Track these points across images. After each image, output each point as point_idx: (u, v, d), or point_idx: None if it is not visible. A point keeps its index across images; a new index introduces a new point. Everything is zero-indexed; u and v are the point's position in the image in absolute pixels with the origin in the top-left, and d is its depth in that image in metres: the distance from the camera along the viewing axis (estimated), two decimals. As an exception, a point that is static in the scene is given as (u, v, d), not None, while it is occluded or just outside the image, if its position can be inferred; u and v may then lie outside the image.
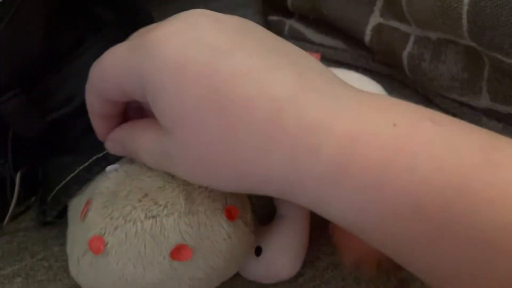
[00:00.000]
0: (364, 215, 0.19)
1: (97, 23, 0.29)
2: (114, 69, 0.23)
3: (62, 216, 0.30)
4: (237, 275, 0.28)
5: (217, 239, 0.24)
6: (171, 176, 0.25)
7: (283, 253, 0.28)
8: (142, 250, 0.23)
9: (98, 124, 0.26)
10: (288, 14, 0.42)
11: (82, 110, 0.27)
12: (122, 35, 0.29)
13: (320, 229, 0.30)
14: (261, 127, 0.19)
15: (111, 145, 0.26)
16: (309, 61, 0.22)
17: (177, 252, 0.23)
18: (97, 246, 0.23)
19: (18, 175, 0.29)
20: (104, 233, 0.24)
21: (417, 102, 0.37)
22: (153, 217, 0.23)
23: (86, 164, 0.28)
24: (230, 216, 0.25)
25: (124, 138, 0.25)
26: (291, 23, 0.41)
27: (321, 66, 0.22)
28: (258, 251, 0.28)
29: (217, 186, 0.22)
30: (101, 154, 0.28)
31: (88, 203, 0.26)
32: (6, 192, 0.33)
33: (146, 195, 0.24)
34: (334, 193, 0.19)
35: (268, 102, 0.19)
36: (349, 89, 0.21)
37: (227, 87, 0.20)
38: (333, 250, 0.30)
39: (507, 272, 0.18)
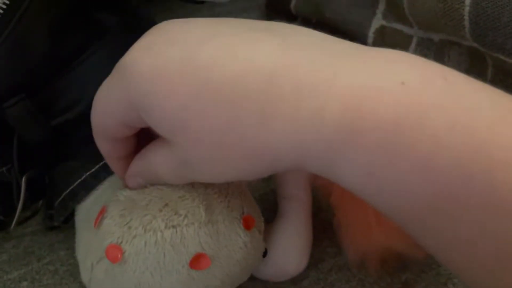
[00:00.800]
0: (374, 176, 0.18)
1: (100, 29, 0.29)
2: (107, 107, 0.23)
3: (68, 220, 0.31)
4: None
5: (234, 248, 0.24)
6: (190, 186, 0.25)
7: (287, 252, 0.28)
8: (161, 259, 0.23)
9: (116, 166, 0.26)
10: (292, 17, 0.42)
11: (87, 116, 0.27)
12: (125, 41, 0.29)
13: (324, 231, 0.31)
14: (258, 100, 0.19)
15: (132, 181, 0.26)
16: (294, 27, 0.21)
17: (196, 261, 0.23)
18: (114, 255, 0.23)
19: (24, 179, 0.29)
20: (121, 242, 0.24)
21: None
22: (174, 227, 0.23)
23: (94, 169, 0.28)
24: (247, 225, 0.25)
25: (141, 169, 0.25)
26: (294, 27, 0.42)
27: (309, 30, 0.21)
28: (263, 253, 0.28)
29: (237, 175, 0.21)
30: None
31: (103, 210, 0.26)
32: (12, 196, 0.34)
33: (166, 204, 0.24)
34: (343, 157, 0.18)
35: (257, 73, 0.19)
36: (348, 44, 0.20)
37: (211, 73, 0.19)
38: (337, 252, 0.30)
39: None
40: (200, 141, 0.20)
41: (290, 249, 0.28)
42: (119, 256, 0.23)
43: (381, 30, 0.36)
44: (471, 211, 0.17)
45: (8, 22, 0.25)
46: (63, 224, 0.31)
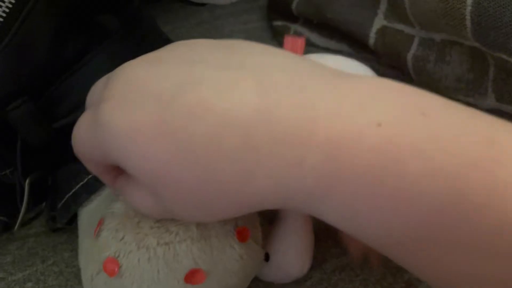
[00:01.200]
0: (356, 221, 0.19)
1: (101, 32, 0.30)
2: (85, 148, 0.22)
3: (72, 222, 0.31)
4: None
5: (230, 261, 0.24)
6: None
7: (289, 255, 0.28)
8: (155, 275, 0.23)
9: (107, 183, 0.25)
10: (293, 18, 0.42)
11: None
12: (126, 44, 0.29)
13: (326, 231, 0.31)
14: (235, 159, 0.18)
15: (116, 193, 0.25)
16: (268, 54, 0.20)
17: (191, 276, 0.23)
18: (111, 268, 0.24)
19: (27, 182, 0.30)
20: (118, 256, 0.24)
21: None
22: (166, 244, 0.24)
23: None
24: (242, 238, 0.25)
25: (125, 196, 0.24)
26: (295, 28, 0.42)
27: (284, 54, 0.20)
28: (266, 257, 0.28)
29: (222, 218, 0.22)
30: None
31: (100, 222, 0.26)
32: (16, 199, 0.34)
33: (157, 221, 0.24)
34: (324, 203, 0.19)
35: (233, 128, 0.18)
36: (321, 79, 0.19)
37: (186, 132, 0.18)
38: (340, 252, 0.30)
39: (503, 273, 0.17)
40: (181, 197, 0.20)
41: (292, 251, 0.28)
42: (116, 270, 0.24)
43: (383, 30, 0.36)
44: (457, 254, 0.18)
45: (12, 24, 0.25)
46: (66, 226, 0.31)
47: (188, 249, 0.23)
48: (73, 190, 0.29)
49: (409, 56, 0.35)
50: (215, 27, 0.46)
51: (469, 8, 0.30)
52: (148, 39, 0.32)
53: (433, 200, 0.17)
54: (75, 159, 0.29)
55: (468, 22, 0.30)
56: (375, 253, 0.29)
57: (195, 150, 0.18)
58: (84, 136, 0.22)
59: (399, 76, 0.39)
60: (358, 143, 0.17)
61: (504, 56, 0.30)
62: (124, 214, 0.25)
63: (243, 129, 0.18)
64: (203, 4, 0.28)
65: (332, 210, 0.19)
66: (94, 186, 0.28)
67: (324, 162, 0.18)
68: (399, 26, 0.36)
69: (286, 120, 0.18)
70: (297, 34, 0.42)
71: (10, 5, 0.25)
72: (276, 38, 0.43)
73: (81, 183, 0.29)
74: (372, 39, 0.37)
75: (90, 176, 0.28)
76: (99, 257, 0.25)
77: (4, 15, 0.25)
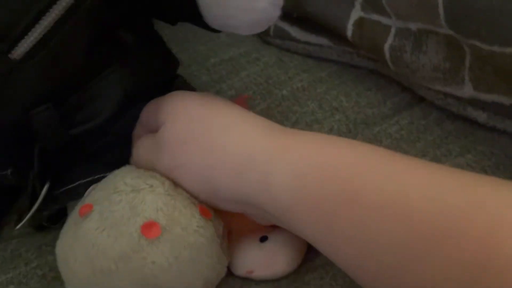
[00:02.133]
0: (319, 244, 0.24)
1: (122, 47, 0.31)
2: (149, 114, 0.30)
3: (56, 222, 0.31)
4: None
5: (187, 228, 0.26)
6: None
7: (287, 245, 0.28)
8: (118, 218, 0.26)
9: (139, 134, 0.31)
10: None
11: (103, 128, 0.29)
12: (144, 61, 0.31)
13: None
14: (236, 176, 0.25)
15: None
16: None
17: (148, 228, 0.25)
18: (85, 210, 0.27)
19: (46, 186, 0.30)
20: (94, 201, 0.27)
21: (402, 99, 0.36)
22: (138, 191, 0.27)
23: (100, 176, 0.30)
24: (204, 213, 0.27)
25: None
26: (276, 23, 0.41)
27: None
28: (263, 238, 0.29)
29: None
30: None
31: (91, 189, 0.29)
32: (2, 203, 0.35)
33: (138, 177, 0.28)
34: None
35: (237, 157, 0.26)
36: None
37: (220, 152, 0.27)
38: (314, 255, 0.30)
39: None
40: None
41: (290, 243, 0.28)
42: (88, 211, 0.26)
43: (360, 22, 0.36)
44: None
45: (53, 35, 0.26)
46: (51, 225, 0.32)
47: (154, 200, 0.26)
48: (73, 185, 0.30)
49: (386, 46, 0.34)
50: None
51: (440, -4, 0.29)
52: (159, 57, 0.33)
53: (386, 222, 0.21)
54: (84, 162, 0.31)
55: (441, 10, 0.30)
56: None
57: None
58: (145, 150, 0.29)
59: (378, 68, 0.38)
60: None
61: (478, 43, 0.29)
62: (115, 174, 0.29)
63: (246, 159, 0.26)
64: (218, 31, 0.29)
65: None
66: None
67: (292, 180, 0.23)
68: (376, 17, 0.35)
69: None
70: (278, 29, 0.42)
71: (56, 17, 0.26)
72: (258, 35, 0.43)
73: (84, 180, 0.30)
74: (349, 31, 0.36)
75: (96, 177, 0.29)
76: (78, 206, 0.27)
77: (49, 25, 0.26)
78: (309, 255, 0.29)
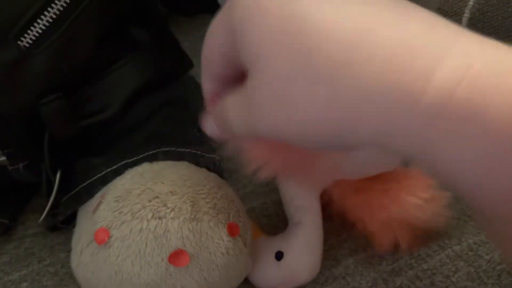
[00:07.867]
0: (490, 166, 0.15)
1: (134, 42, 0.31)
2: (212, 35, 0.23)
3: (70, 222, 0.31)
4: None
5: (216, 252, 0.25)
6: (182, 183, 0.26)
7: (304, 256, 0.28)
8: (142, 248, 0.24)
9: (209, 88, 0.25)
10: None
11: (113, 120, 0.29)
12: (155, 56, 0.31)
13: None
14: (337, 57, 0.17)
15: (208, 127, 0.24)
16: None
17: (176, 257, 0.24)
18: (102, 237, 0.24)
19: (58, 175, 0.30)
20: (111, 227, 0.25)
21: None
22: (160, 218, 0.24)
23: (115, 167, 0.29)
24: (232, 232, 0.25)
25: (216, 111, 0.23)
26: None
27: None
28: (279, 255, 0.28)
29: (299, 133, 0.19)
30: (130, 160, 0.29)
31: (102, 197, 0.27)
32: (17, 201, 0.34)
33: (157, 197, 0.25)
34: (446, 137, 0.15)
35: (345, 31, 0.17)
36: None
37: (299, 20, 0.18)
38: (333, 264, 0.30)
39: None
40: (269, 85, 0.19)
41: (305, 254, 0.28)
42: (105, 239, 0.24)
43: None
44: None
45: (64, 21, 0.26)
46: (64, 225, 0.31)
47: (179, 227, 0.24)
48: (89, 181, 0.29)
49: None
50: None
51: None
52: (167, 51, 0.33)
53: None
54: (93, 155, 0.31)
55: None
56: (404, 238, 0.29)
57: (301, 38, 0.18)
58: (217, 17, 0.22)
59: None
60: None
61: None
62: (126, 188, 0.26)
63: (352, 35, 0.17)
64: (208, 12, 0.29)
65: (456, 151, 0.16)
66: (111, 179, 0.29)
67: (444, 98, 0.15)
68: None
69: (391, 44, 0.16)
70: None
71: (64, 4, 0.26)
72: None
73: (99, 175, 0.29)
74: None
75: (109, 169, 0.29)
76: (92, 229, 0.25)
77: (58, 12, 0.26)
78: (327, 262, 0.30)
